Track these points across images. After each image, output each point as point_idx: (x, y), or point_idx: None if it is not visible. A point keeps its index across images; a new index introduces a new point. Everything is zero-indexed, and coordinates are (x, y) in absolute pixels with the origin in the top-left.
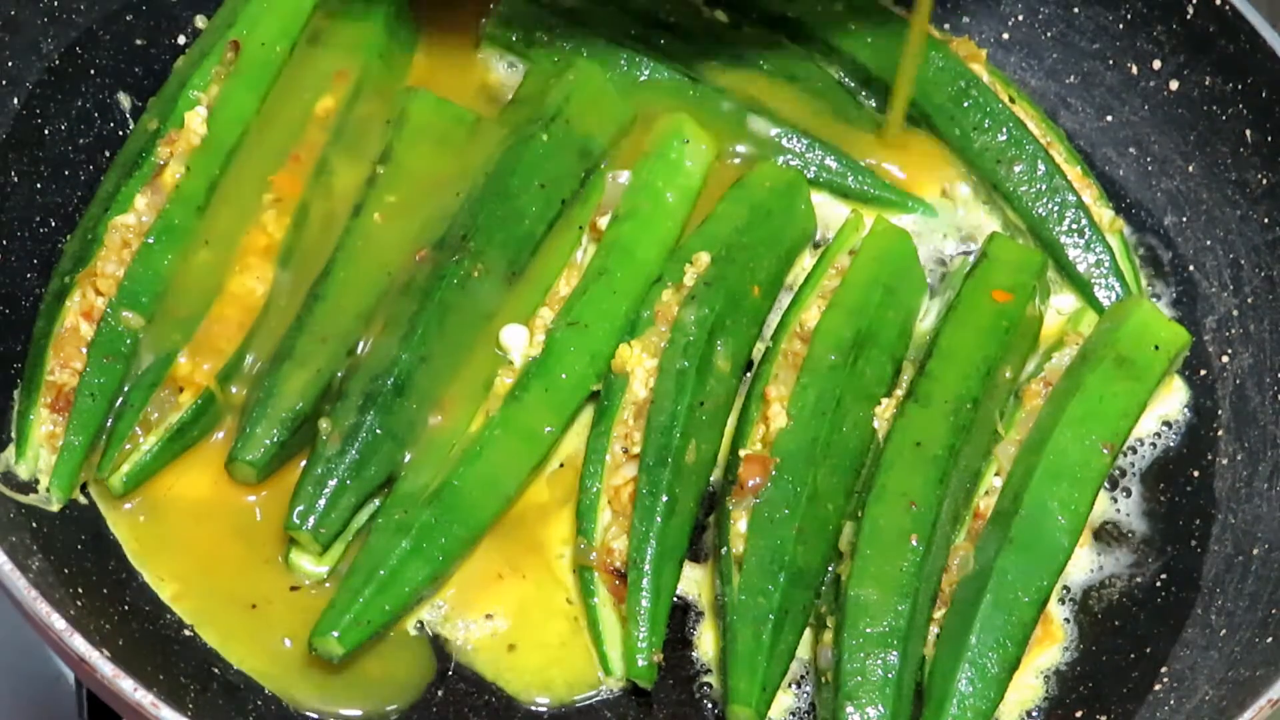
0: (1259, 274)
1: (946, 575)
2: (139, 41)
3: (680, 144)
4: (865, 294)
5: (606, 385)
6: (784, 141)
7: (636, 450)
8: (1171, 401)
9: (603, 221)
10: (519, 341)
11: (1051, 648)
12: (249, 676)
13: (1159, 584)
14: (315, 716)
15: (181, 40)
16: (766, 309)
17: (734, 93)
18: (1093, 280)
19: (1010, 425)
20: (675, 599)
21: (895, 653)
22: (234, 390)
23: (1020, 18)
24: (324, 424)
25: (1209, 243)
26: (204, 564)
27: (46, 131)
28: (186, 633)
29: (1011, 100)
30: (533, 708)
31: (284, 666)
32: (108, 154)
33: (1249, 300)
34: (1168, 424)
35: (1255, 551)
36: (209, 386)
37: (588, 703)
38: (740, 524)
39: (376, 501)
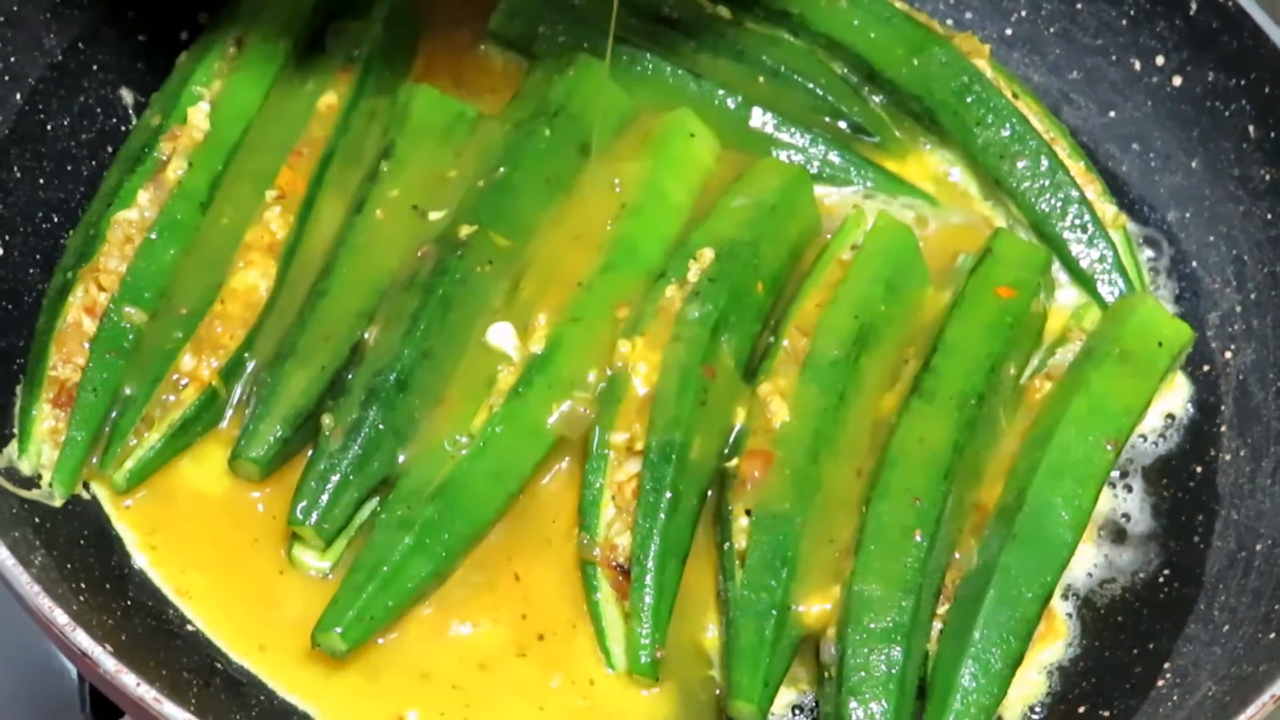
0: (1262, 270)
1: (950, 571)
2: (142, 37)
3: (683, 139)
4: (868, 289)
5: (610, 381)
6: (787, 137)
7: (640, 446)
8: (1174, 397)
9: None
10: (504, 339)
11: (1055, 643)
12: (252, 672)
13: (1162, 580)
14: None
15: (184, 36)
16: (770, 305)
17: (737, 88)
18: (1096, 276)
19: (1014, 421)
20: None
21: (899, 648)
22: (237, 387)
23: (1023, 13)
24: (327, 419)
25: (1212, 239)
26: (207, 560)
27: (49, 127)
28: (189, 628)
29: (1014, 96)
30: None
31: (287, 662)
32: (110, 149)
33: (1252, 296)
34: (1171, 420)
35: (1258, 547)
36: (212, 383)
37: None
38: (743, 519)
39: (379, 497)
